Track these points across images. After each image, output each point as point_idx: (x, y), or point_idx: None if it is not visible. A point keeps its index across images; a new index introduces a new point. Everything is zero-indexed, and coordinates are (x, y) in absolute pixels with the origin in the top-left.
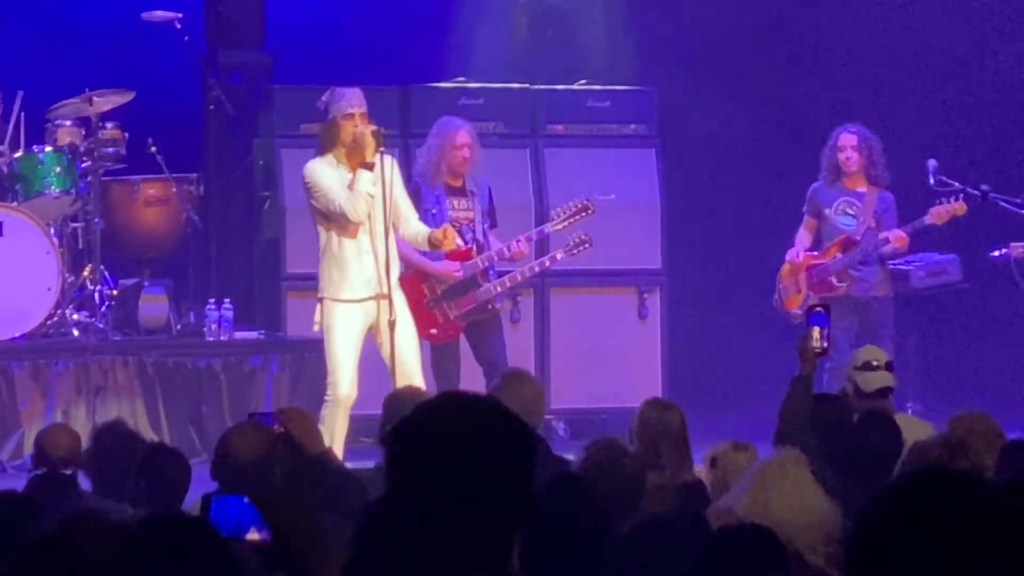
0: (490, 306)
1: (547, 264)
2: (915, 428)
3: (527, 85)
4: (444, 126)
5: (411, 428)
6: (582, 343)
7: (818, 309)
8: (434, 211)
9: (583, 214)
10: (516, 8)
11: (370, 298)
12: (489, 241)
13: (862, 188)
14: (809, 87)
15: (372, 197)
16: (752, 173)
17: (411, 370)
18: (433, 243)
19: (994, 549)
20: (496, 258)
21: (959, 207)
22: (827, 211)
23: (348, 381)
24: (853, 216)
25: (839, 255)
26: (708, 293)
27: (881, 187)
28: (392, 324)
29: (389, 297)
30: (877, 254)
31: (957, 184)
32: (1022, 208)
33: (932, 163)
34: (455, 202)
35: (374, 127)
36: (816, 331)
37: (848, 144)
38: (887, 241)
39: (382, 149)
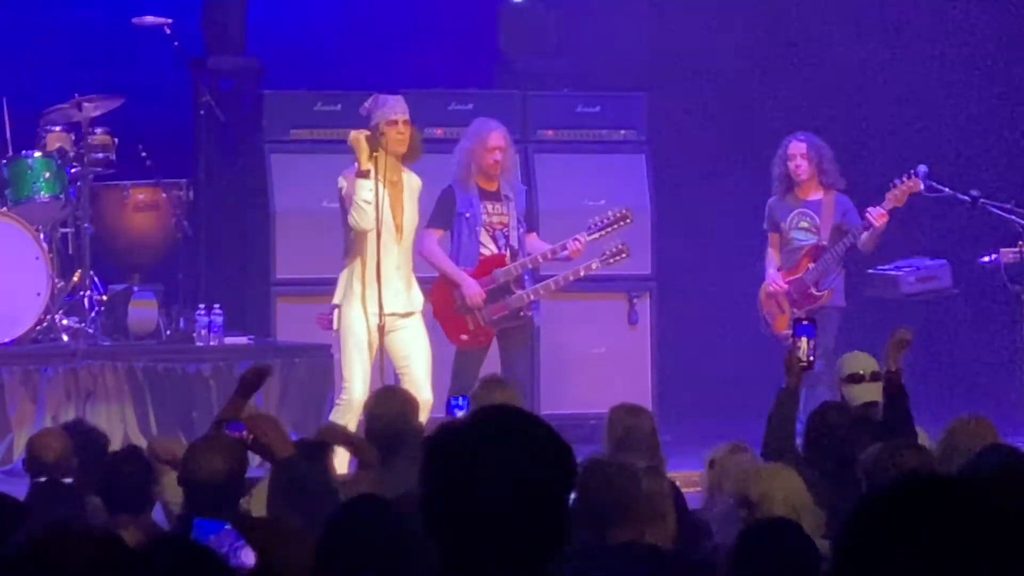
0: (522, 313)
1: (582, 273)
2: None
3: (517, 90)
4: (477, 128)
5: (447, 440)
6: (572, 349)
7: (805, 321)
8: (468, 215)
9: (621, 223)
10: (506, 13)
11: (381, 307)
12: (525, 246)
13: (816, 196)
14: (799, 92)
15: (369, 204)
16: (742, 178)
17: (419, 380)
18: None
19: (981, 553)
20: (543, 261)
21: (914, 183)
22: (783, 225)
23: (362, 385)
24: (808, 229)
25: (811, 265)
26: (698, 299)
27: (835, 191)
28: (381, 330)
29: (379, 304)
30: (843, 259)
31: (947, 190)
32: (1012, 213)
33: (922, 168)
34: (489, 206)
35: (367, 132)
36: (803, 342)
37: (797, 152)
38: (860, 233)
39: (376, 154)
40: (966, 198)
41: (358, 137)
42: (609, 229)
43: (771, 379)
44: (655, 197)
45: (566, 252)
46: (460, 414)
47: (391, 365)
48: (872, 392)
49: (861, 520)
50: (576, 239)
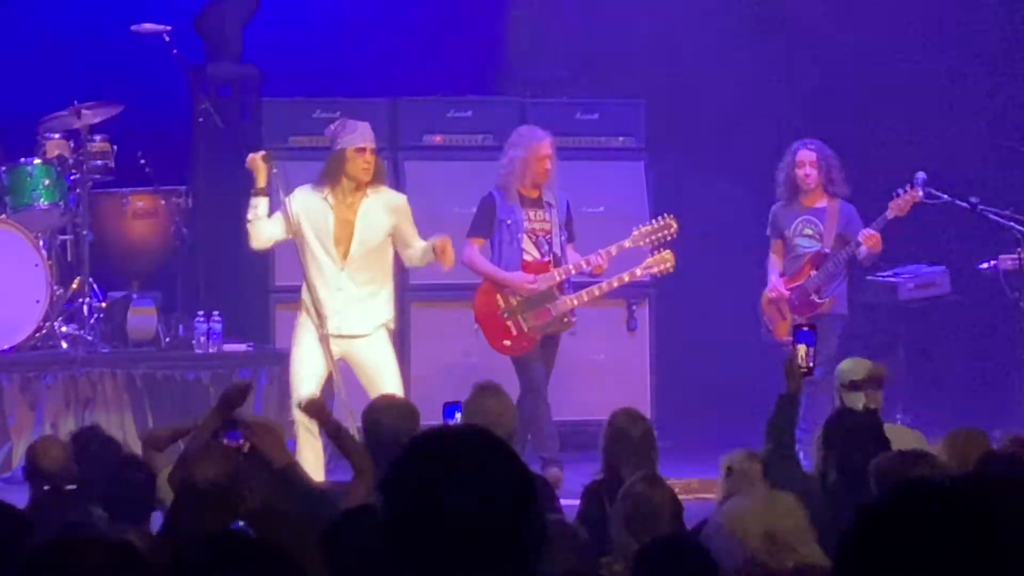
0: (565, 319)
1: (626, 280)
2: (905, 438)
3: (515, 98)
4: (527, 137)
5: (406, 462)
6: (571, 355)
7: (804, 328)
8: (509, 222)
9: (664, 232)
10: (505, 20)
11: (325, 336)
12: (567, 254)
13: (821, 203)
14: (798, 99)
15: (251, 223)
16: (741, 185)
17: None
18: (436, 252)
19: (979, 560)
20: (574, 271)
21: (915, 194)
22: (787, 232)
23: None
24: (811, 236)
25: (813, 272)
26: (697, 305)
27: (839, 199)
28: (324, 338)
29: (326, 337)
30: (846, 267)
31: (946, 196)
32: (1011, 220)
33: (921, 175)
34: (531, 213)
35: (264, 152)
36: (802, 349)
37: (807, 160)
38: (858, 244)
39: (275, 172)
40: (965, 205)
41: (254, 159)
42: (651, 238)
43: (770, 385)
44: (654, 204)
45: (588, 268)
46: (458, 416)
47: (346, 382)
48: (872, 400)
49: (861, 528)
50: (599, 255)
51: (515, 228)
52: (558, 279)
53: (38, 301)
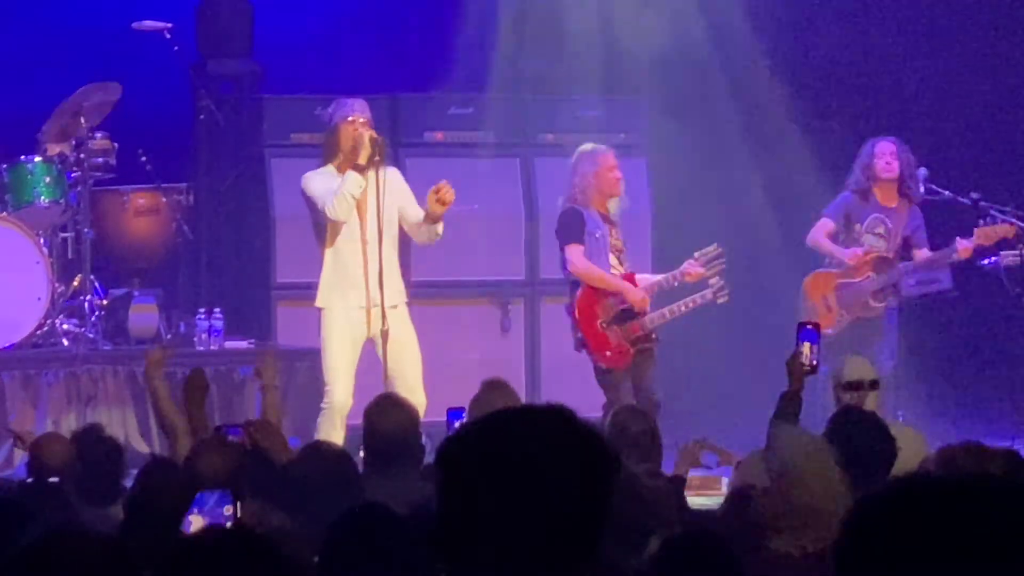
0: (653, 335)
1: (698, 302)
2: (905, 436)
3: (517, 94)
4: (591, 153)
5: (466, 441)
6: (573, 351)
7: (808, 326)
8: (598, 235)
9: (718, 261)
10: (507, 17)
11: (367, 308)
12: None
13: (894, 203)
14: (799, 96)
15: (354, 199)
16: (743, 183)
17: (411, 383)
18: (435, 209)
19: (979, 552)
20: (666, 286)
21: (1008, 229)
22: (858, 227)
23: (344, 389)
24: (880, 236)
25: (872, 275)
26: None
27: (913, 203)
28: (385, 334)
29: (382, 307)
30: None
31: (948, 193)
32: (1012, 216)
33: (922, 172)
34: (610, 230)
35: (373, 133)
36: (807, 347)
37: (887, 151)
38: (955, 251)
39: (378, 158)
40: (967, 201)
41: (362, 135)
42: (710, 266)
43: (768, 382)
44: (656, 201)
45: (681, 278)
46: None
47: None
48: (869, 401)
49: (859, 521)
50: (691, 263)
51: (603, 242)
52: (656, 290)
53: (39, 299)
